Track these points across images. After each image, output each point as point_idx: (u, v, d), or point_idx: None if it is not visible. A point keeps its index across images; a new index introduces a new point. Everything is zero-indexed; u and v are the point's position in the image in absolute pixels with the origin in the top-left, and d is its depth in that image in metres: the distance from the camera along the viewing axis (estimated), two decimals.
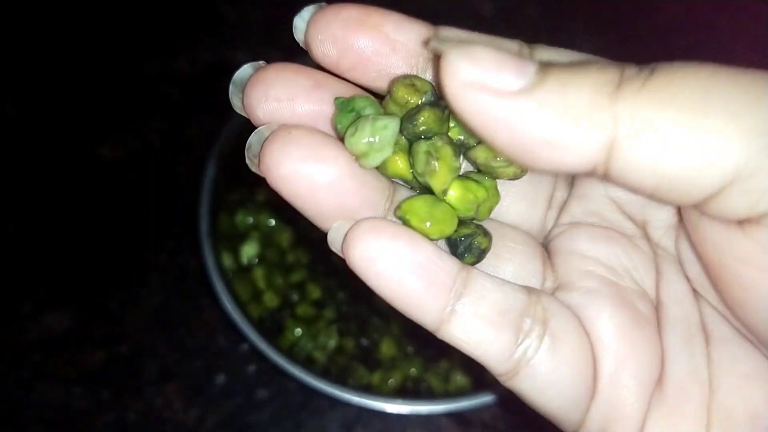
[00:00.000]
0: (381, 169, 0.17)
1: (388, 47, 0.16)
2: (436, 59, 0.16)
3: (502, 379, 0.16)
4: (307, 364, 0.38)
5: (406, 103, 0.17)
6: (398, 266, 0.15)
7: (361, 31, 0.16)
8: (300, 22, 0.16)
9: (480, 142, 0.17)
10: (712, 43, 0.52)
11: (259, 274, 0.41)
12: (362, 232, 0.15)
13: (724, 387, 0.16)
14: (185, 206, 0.46)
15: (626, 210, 0.18)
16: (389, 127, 0.16)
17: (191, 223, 0.41)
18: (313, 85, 0.16)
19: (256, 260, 0.42)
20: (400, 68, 0.17)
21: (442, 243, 0.18)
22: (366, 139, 0.16)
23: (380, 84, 0.17)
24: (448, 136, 0.17)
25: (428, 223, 0.16)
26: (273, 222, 0.43)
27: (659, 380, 0.16)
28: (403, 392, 0.39)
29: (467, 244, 0.17)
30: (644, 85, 0.14)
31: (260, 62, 0.17)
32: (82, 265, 0.44)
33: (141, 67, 0.53)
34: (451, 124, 0.17)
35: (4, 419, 0.40)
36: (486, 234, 0.17)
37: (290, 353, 0.37)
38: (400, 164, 0.16)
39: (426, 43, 0.17)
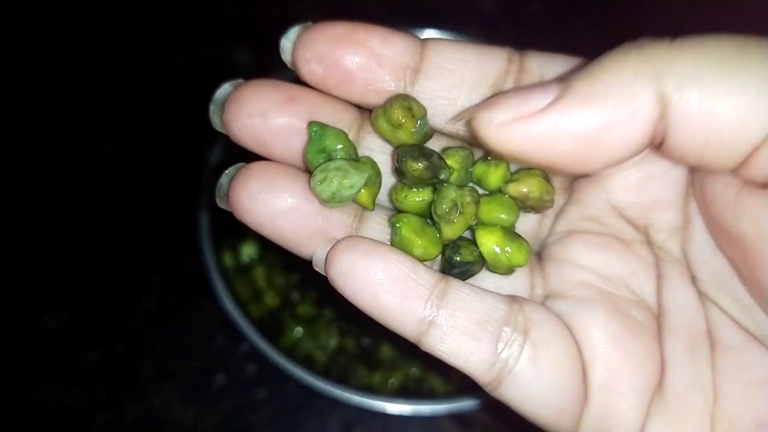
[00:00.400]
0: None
1: (373, 62, 0.16)
2: (470, 128, 0.16)
3: (488, 389, 0.17)
4: (308, 364, 0.38)
5: (400, 125, 0.17)
6: (372, 280, 0.16)
7: (346, 47, 0.16)
8: (286, 42, 0.17)
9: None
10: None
11: (259, 273, 0.41)
12: (339, 250, 0.16)
13: (729, 395, 0.16)
14: (185, 205, 0.46)
15: (627, 214, 0.18)
16: (355, 186, 0.16)
17: (191, 222, 0.41)
18: (285, 99, 0.17)
19: (257, 259, 0.42)
20: (387, 82, 0.17)
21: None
22: (331, 190, 0.16)
23: (367, 99, 0.17)
24: (477, 193, 0.17)
25: (418, 239, 0.17)
26: None
27: (659, 387, 0.16)
28: (404, 392, 0.39)
29: (464, 270, 0.17)
30: (672, 45, 0.14)
31: (239, 80, 0.17)
32: (81, 264, 0.44)
33: (141, 65, 0.53)
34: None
35: (2, 418, 0.39)
36: (482, 263, 0.18)
37: (290, 353, 0.37)
38: (368, 202, 0.17)
39: (464, 122, 0.17)
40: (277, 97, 0.17)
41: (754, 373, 0.16)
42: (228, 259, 0.40)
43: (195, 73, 0.53)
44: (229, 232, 0.41)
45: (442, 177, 0.17)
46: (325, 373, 0.36)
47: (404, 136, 0.17)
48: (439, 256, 0.18)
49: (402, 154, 0.17)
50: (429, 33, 0.42)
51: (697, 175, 0.17)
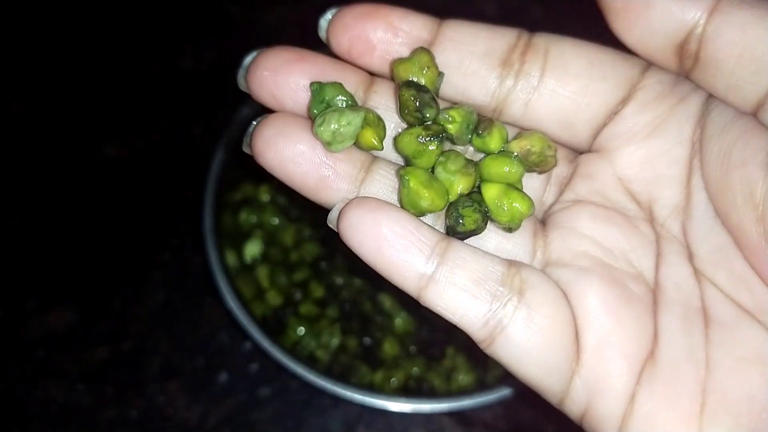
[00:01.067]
0: (357, 142, 0.18)
1: (392, 34, 0.18)
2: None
3: (482, 346, 0.17)
4: (310, 362, 0.38)
5: (428, 67, 0.18)
6: (377, 235, 0.17)
7: (368, 21, 0.18)
8: (323, 21, 0.19)
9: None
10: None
11: (262, 272, 0.41)
12: (349, 207, 0.17)
13: (721, 368, 0.17)
14: (189, 204, 0.46)
15: (632, 188, 0.19)
16: (352, 123, 0.18)
17: (195, 221, 0.41)
18: (296, 58, 0.18)
19: (260, 258, 0.42)
20: (404, 53, 0.19)
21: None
22: (330, 130, 0.17)
23: (384, 68, 0.19)
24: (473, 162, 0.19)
25: (425, 191, 0.17)
26: (277, 220, 0.43)
27: (651, 357, 0.17)
28: (406, 391, 0.39)
29: (465, 237, 0.18)
30: None
31: (259, 50, 0.19)
32: (86, 263, 0.44)
33: (146, 66, 0.53)
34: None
35: (8, 415, 0.40)
36: (484, 228, 0.18)
37: (293, 352, 0.37)
38: (373, 139, 0.18)
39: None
40: (289, 57, 0.18)
41: (746, 347, 0.17)
42: (231, 259, 0.40)
43: (200, 75, 0.53)
44: (233, 232, 0.42)
45: (427, 114, 0.18)
46: (328, 372, 0.37)
47: (428, 80, 0.18)
48: (443, 223, 0.19)
49: (403, 84, 0.18)
50: None
51: (706, 134, 0.17)
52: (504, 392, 0.34)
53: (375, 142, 0.18)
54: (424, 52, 0.18)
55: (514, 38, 0.19)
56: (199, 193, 0.40)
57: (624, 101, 0.18)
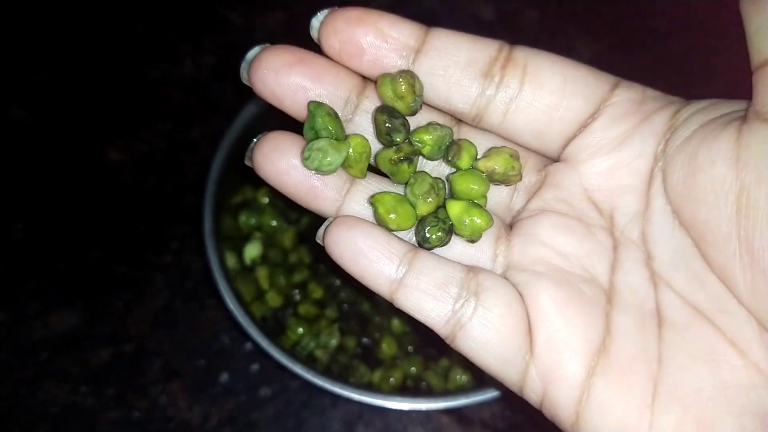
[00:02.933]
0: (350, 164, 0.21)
1: (381, 40, 0.19)
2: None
3: (446, 341, 0.20)
4: (309, 362, 0.38)
5: (401, 97, 0.20)
6: (354, 248, 0.19)
7: (359, 26, 0.19)
8: (315, 22, 0.20)
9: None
10: (709, 45, 0.52)
11: (262, 274, 0.41)
12: (332, 225, 0.20)
13: (672, 364, 0.18)
14: (190, 207, 0.47)
15: (595, 197, 0.21)
16: (333, 163, 0.20)
17: (195, 224, 0.42)
18: (296, 60, 0.20)
19: (259, 260, 0.42)
20: (391, 58, 0.20)
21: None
22: (314, 166, 0.20)
23: (373, 72, 0.20)
24: (443, 182, 0.21)
25: (392, 215, 0.20)
26: (275, 223, 0.43)
27: (604, 352, 0.19)
28: (404, 390, 0.39)
29: (431, 249, 0.21)
30: None
31: (267, 45, 0.20)
32: (89, 266, 0.45)
33: (146, 71, 0.54)
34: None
35: (11, 416, 0.40)
36: (448, 242, 0.21)
37: (292, 352, 0.37)
38: (355, 171, 0.20)
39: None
40: (289, 58, 0.20)
41: (697, 346, 0.18)
42: (231, 261, 0.41)
43: (199, 80, 0.54)
44: (232, 235, 0.42)
45: (397, 139, 0.20)
46: (327, 372, 0.37)
47: (402, 106, 0.20)
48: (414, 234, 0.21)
49: (378, 109, 0.20)
50: None
51: (670, 145, 0.19)
52: (500, 391, 0.34)
53: (359, 174, 0.21)
54: (405, 75, 0.19)
55: (495, 50, 0.20)
56: (199, 196, 0.40)
57: (593, 116, 0.20)
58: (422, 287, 0.19)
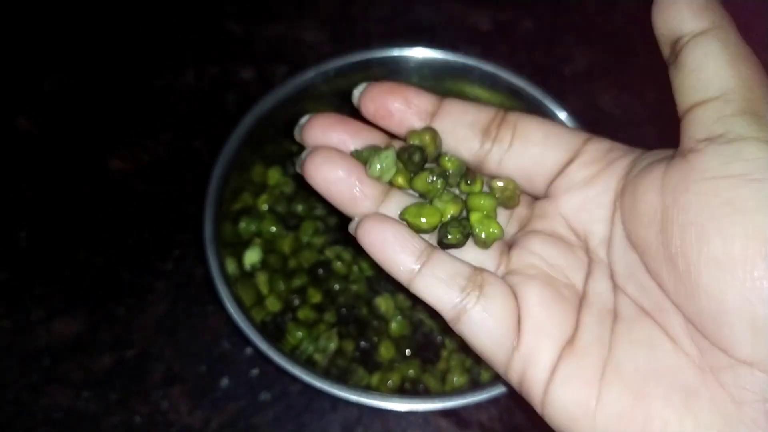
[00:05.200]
0: (391, 181, 0.26)
1: (406, 106, 0.26)
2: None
3: (451, 324, 0.24)
4: (309, 366, 0.39)
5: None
6: (383, 239, 0.24)
7: (390, 95, 0.26)
8: (356, 92, 0.26)
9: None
10: None
11: (261, 279, 0.42)
12: (366, 219, 0.24)
13: (618, 349, 0.22)
14: (191, 215, 0.48)
15: (572, 225, 0.25)
16: (389, 156, 0.25)
17: (197, 232, 0.42)
18: (337, 122, 0.26)
19: (259, 266, 0.43)
20: (413, 120, 0.26)
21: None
22: (377, 169, 0.25)
23: (400, 130, 0.26)
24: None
25: (422, 219, 0.25)
26: (275, 229, 0.44)
27: (571, 342, 0.23)
28: (402, 393, 0.40)
29: (450, 248, 0.25)
30: None
31: (309, 115, 0.27)
32: (92, 273, 0.46)
33: (149, 82, 0.54)
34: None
35: (14, 421, 0.41)
36: (464, 242, 0.25)
37: (292, 356, 0.38)
38: (400, 180, 0.26)
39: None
40: (332, 121, 0.26)
41: (639, 335, 0.22)
42: (231, 267, 0.41)
43: (201, 90, 0.55)
44: (233, 241, 0.43)
45: (418, 157, 0.25)
46: (325, 375, 0.37)
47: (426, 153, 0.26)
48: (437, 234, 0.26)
49: (403, 147, 0.26)
50: (424, 51, 0.43)
51: (626, 182, 0.24)
52: (497, 392, 0.35)
53: (405, 184, 0.26)
54: (429, 131, 0.25)
55: (493, 113, 0.26)
56: (200, 204, 0.41)
57: (569, 162, 0.25)
58: (437, 276, 0.23)
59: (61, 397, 0.41)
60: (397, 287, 0.41)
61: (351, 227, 0.25)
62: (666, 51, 0.22)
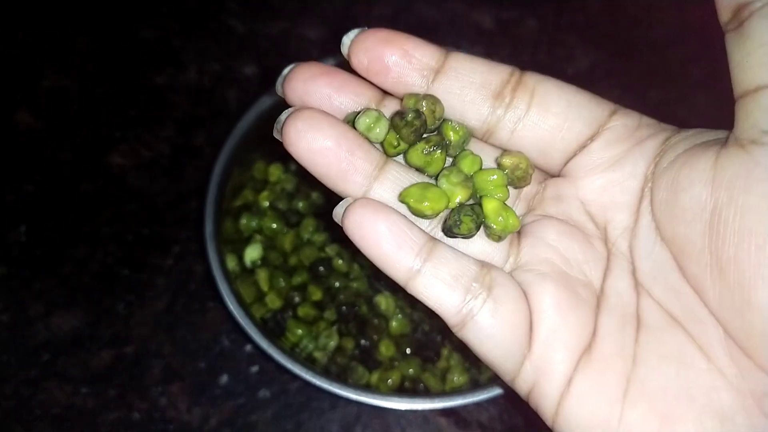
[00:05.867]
0: (385, 149, 0.22)
1: (405, 60, 0.21)
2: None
3: (454, 330, 0.21)
4: (308, 364, 0.39)
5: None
6: (376, 232, 0.20)
7: (386, 46, 0.21)
8: (346, 39, 0.22)
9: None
10: (706, 54, 0.53)
11: (262, 276, 0.42)
12: (354, 206, 0.20)
13: (645, 363, 0.20)
14: (192, 211, 0.48)
15: (591, 211, 0.22)
16: (381, 120, 0.21)
17: (197, 228, 0.42)
18: (322, 72, 0.21)
19: (260, 263, 0.43)
20: (414, 77, 0.21)
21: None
22: (367, 121, 0.21)
23: (397, 89, 0.22)
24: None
25: (425, 203, 0.21)
26: (276, 226, 0.44)
27: (589, 350, 0.20)
28: (401, 392, 0.40)
29: (458, 239, 0.22)
30: None
31: (294, 64, 0.22)
32: (91, 268, 0.45)
33: (152, 78, 0.54)
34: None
35: (12, 417, 0.41)
36: (474, 234, 0.21)
37: (292, 354, 0.38)
38: (393, 148, 0.22)
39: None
40: (316, 71, 0.21)
41: (667, 348, 0.20)
42: (232, 264, 0.41)
43: (203, 87, 0.54)
44: (233, 237, 0.43)
45: (412, 129, 0.21)
46: (325, 373, 0.37)
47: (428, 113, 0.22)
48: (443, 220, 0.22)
49: (399, 111, 0.22)
50: None
51: (659, 168, 0.21)
52: (497, 391, 0.35)
53: (397, 147, 0.22)
54: (429, 99, 0.21)
55: (507, 74, 0.22)
56: (200, 200, 0.41)
57: (592, 138, 0.21)
58: (439, 276, 0.20)
59: (60, 392, 0.41)
60: (395, 286, 0.41)
61: (336, 214, 0.21)
62: (726, 14, 0.19)
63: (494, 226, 0.21)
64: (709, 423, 0.18)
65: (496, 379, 0.37)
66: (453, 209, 0.21)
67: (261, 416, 0.41)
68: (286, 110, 0.21)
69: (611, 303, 0.21)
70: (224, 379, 0.42)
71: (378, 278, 0.43)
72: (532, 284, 0.21)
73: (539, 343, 0.20)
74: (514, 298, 0.20)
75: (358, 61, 0.21)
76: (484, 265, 0.21)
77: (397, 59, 0.21)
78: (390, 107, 0.22)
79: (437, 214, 0.21)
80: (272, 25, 0.58)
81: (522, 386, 0.21)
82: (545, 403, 0.20)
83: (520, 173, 0.22)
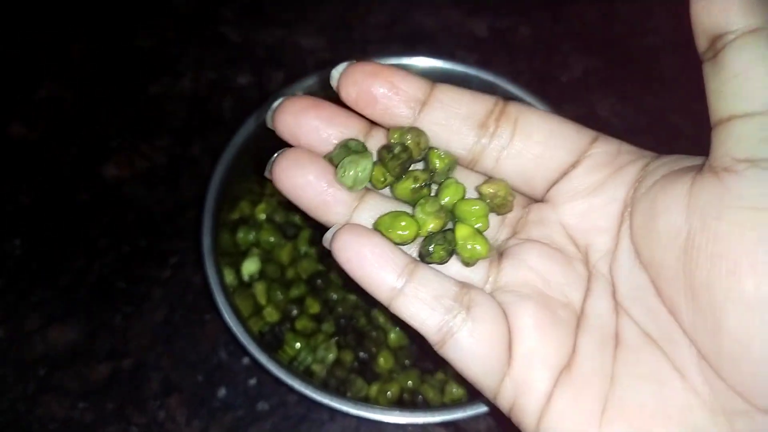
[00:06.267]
0: (373, 185, 0.23)
1: (392, 92, 0.22)
2: None
3: (435, 348, 0.21)
4: (307, 377, 0.39)
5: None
6: (360, 255, 0.21)
7: (374, 79, 0.22)
8: (335, 72, 0.23)
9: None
10: (700, 63, 0.53)
11: (259, 289, 0.42)
12: (341, 232, 0.21)
13: (622, 382, 0.20)
14: (189, 223, 0.48)
15: (573, 234, 0.23)
16: (367, 169, 0.22)
17: (194, 240, 0.42)
18: (311, 105, 0.22)
19: (257, 276, 0.43)
20: (401, 109, 0.22)
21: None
22: (351, 176, 0.22)
23: (385, 120, 0.23)
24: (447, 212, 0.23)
25: (399, 231, 0.22)
26: (273, 239, 0.44)
27: (568, 369, 0.21)
28: (401, 404, 0.40)
29: (431, 252, 0.22)
30: None
31: (288, 95, 0.23)
32: (88, 280, 0.45)
33: (147, 87, 0.54)
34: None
35: None
36: (449, 256, 0.22)
37: (290, 366, 0.38)
38: (380, 182, 0.23)
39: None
40: (306, 104, 0.23)
41: (645, 367, 0.20)
42: (230, 277, 0.41)
43: (199, 96, 0.54)
44: (231, 250, 0.43)
45: (399, 162, 0.22)
46: (324, 386, 0.37)
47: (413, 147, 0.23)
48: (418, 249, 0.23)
49: (386, 145, 0.23)
50: (423, 60, 0.43)
51: (637, 193, 0.21)
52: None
53: (379, 184, 0.23)
54: (413, 132, 0.22)
55: (491, 104, 0.22)
56: (197, 211, 0.41)
57: (574, 165, 0.22)
58: (420, 297, 0.21)
59: (57, 407, 0.41)
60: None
61: (326, 239, 0.22)
62: (703, 44, 0.19)
63: (463, 254, 0.22)
64: None
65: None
66: (426, 237, 0.22)
67: (260, 429, 0.41)
68: (277, 153, 0.23)
69: (591, 323, 0.22)
70: (222, 391, 0.42)
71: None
72: (512, 304, 0.22)
73: (518, 361, 0.21)
74: (493, 318, 0.21)
75: (347, 93, 0.22)
76: (464, 285, 0.22)
77: (384, 92, 0.22)
78: (377, 137, 0.23)
79: (407, 242, 0.22)
80: (268, 33, 0.58)
81: (503, 403, 0.21)
82: (526, 420, 0.21)
83: (499, 201, 0.23)
